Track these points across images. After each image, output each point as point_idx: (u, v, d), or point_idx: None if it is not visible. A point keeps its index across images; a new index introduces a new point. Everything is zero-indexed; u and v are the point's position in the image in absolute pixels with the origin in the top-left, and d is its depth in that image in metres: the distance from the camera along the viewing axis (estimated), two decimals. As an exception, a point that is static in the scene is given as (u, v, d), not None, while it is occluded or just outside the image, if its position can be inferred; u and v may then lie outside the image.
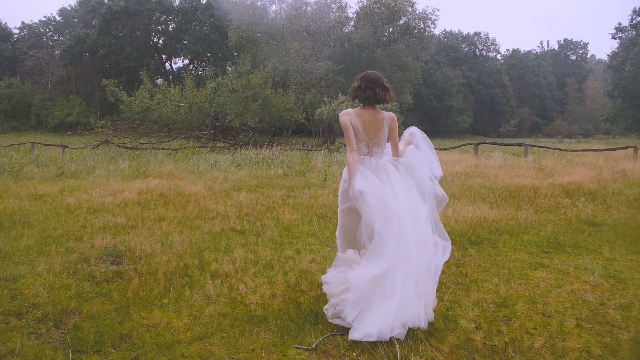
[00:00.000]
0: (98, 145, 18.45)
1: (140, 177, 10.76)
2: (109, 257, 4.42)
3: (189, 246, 4.82)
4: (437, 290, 3.46)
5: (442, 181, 9.93)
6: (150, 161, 14.26)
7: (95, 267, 4.11)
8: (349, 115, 3.13)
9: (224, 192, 8.83)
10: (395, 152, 3.31)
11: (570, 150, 15.23)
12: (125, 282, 3.73)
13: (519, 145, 16.02)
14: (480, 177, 10.37)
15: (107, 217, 6.26)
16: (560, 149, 15.37)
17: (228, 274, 3.95)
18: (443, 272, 4.10)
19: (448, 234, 5.14)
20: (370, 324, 2.73)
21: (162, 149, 18.39)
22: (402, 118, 26.17)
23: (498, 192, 8.17)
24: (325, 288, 3.12)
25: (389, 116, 3.21)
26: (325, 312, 3.06)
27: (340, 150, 20.03)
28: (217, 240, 5.15)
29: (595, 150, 14.07)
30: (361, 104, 3.21)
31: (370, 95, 3.10)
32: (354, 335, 2.74)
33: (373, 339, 2.68)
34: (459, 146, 17.70)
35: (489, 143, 17.05)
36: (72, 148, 18.68)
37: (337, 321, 2.96)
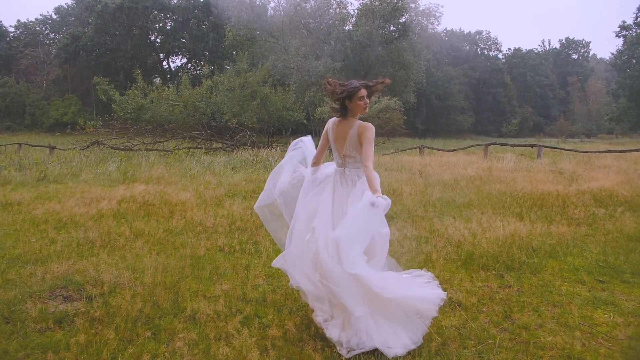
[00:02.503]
0: (88, 146, 17.54)
1: (127, 182, 9.89)
2: (62, 291, 3.54)
3: (163, 275, 3.94)
4: (481, 342, 2.63)
5: (457, 186, 9.09)
6: (142, 163, 13.38)
7: (41, 305, 3.24)
8: (327, 125, 3.17)
9: (216, 199, 7.97)
10: (365, 164, 2.91)
11: (587, 152, 14.34)
12: (73, 333, 2.85)
13: (532, 146, 15.12)
14: (496, 182, 9.49)
15: (77, 232, 5.39)
16: (576, 150, 14.47)
17: (209, 319, 3.08)
18: (481, 312, 3.25)
19: (478, 257, 4.30)
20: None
21: (155, 150, 17.50)
22: (405, 117, 25.32)
23: (521, 201, 7.30)
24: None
25: (358, 126, 2.97)
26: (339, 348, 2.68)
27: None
28: (201, 265, 4.27)
29: (614, 152, 13.17)
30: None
31: (341, 109, 3.03)
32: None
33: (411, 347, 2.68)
34: (468, 147, 16.83)
35: (499, 144, 16.17)
36: (60, 149, 17.78)
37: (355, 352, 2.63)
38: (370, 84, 3.04)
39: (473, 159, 14.67)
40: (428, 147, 17.12)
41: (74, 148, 17.53)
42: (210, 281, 3.90)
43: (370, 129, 2.94)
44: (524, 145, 16.29)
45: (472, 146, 16.93)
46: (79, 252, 4.64)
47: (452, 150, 16.65)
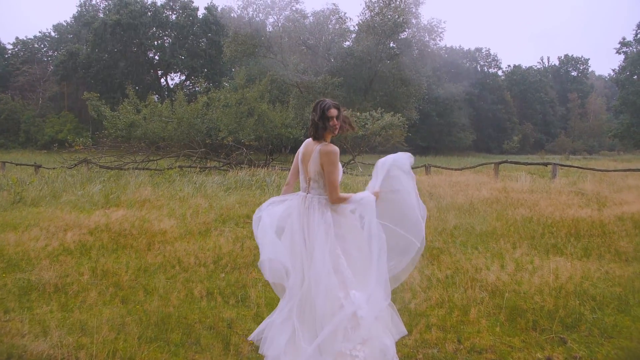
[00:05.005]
0: (75, 165, 16.59)
1: (109, 205, 8.97)
2: (-32, 374, 2.58)
3: (117, 340, 2.98)
4: None
5: (474, 211, 8.14)
6: (130, 183, 12.47)
7: None
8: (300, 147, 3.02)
9: (204, 226, 7.03)
10: (329, 194, 2.77)
11: (607, 171, 13.44)
12: None
13: (545, 164, 14.22)
14: (516, 205, 8.55)
15: (28, 274, 4.43)
16: (593, 169, 13.55)
17: None
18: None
19: (527, 312, 3.37)
20: None
21: (147, 169, 16.56)
22: (409, 134, 24.49)
23: (553, 230, 6.35)
24: None
25: (320, 148, 2.77)
26: None
27: (342, 170, 18.22)
28: (168, 326, 3.30)
29: (637, 170, 12.20)
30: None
31: (312, 130, 2.85)
32: None
33: None
34: (477, 166, 15.90)
35: (510, 162, 15.26)
36: (46, 168, 16.86)
37: None
38: (340, 109, 2.84)
39: (484, 179, 13.74)
40: (435, 166, 16.19)
41: (61, 167, 16.60)
42: (178, 350, 2.94)
43: (332, 151, 2.70)
44: (537, 164, 15.38)
45: (481, 165, 16.01)
46: (18, 303, 3.68)
47: (460, 169, 15.72)
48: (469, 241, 6.05)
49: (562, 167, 15.07)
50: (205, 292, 4.03)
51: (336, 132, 2.83)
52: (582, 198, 9.42)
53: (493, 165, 14.51)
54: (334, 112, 2.78)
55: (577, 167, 14.33)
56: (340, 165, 2.82)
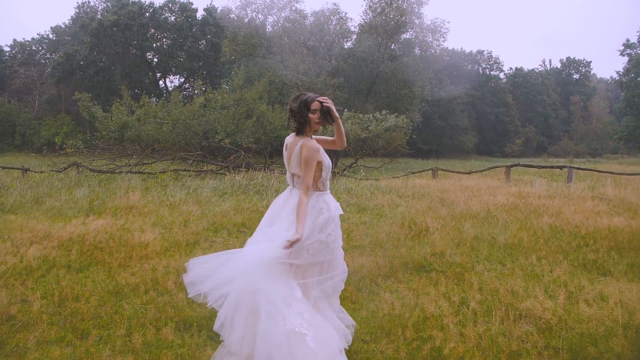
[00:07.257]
0: (64, 169, 15.80)
1: (94, 212, 8.21)
2: None
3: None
4: None
5: (492, 219, 7.35)
6: (121, 187, 11.70)
7: None
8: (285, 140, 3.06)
9: (192, 236, 6.28)
10: (301, 188, 2.70)
11: (623, 174, 12.67)
12: None
13: (561, 168, 13.44)
14: (538, 213, 7.77)
15: (-30, 299, 3.66)
16: (612, 172, 12.80)
17: None
18: None
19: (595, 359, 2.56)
20: None
21: (140, 172, 15.77)
22: (414, 137, 23.69)
23: (590, 242, 5.57)
24: None
25: (301, 143, 2.73)
26: None
27: (345, 173, 17.46)
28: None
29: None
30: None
31: (293, 124, 2.86)
32: None
33: None
34: (486, 169, 15.09)
35: (523, 165, 14.48)
36: (34, 171, 16.08)
37: None
38: (322, 101, 2.76)
39: (495, 183, 12.96)
40: (442, 169, 15.41)
41: (50, 170, 15.81)
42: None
43: (307, 148, 2.69)
44: (553, 167, 14.59)
45: (491, 168, 15.21)
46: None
47: (469, 173, 14.94)
48: (492, 255, 5.28)
49: (576, 171, 14.34)
50: (183, 325, 3.26)
51: (317, 127, 2.79)
52: (609, 204, 8.64)
53: (504, 168, 13.73)
54: (317, 104, 2.74)
55: (594, 170, 13.54)
56: (325, 159, 2.76)
